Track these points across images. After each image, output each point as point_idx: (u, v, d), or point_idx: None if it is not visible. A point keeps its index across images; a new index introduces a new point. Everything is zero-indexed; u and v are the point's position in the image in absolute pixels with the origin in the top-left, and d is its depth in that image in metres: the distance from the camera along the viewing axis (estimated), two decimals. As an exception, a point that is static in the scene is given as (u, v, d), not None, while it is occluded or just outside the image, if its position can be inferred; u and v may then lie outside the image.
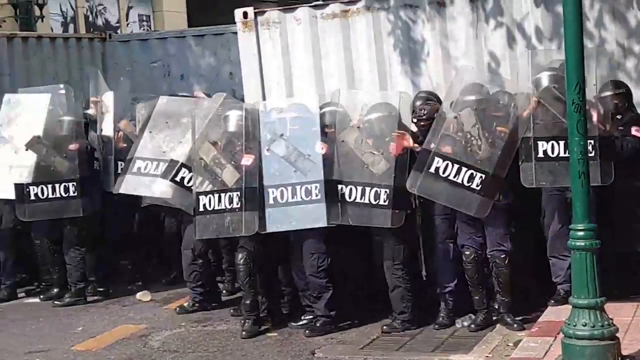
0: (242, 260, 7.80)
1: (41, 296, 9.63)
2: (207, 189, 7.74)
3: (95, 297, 9.50)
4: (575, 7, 5.66)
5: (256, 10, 9.21)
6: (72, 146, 9.00)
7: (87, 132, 9.41)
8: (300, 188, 7.55)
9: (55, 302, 9.24)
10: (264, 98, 9.04)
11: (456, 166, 7.16)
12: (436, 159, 7.17)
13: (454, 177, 7.15)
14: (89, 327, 8.32)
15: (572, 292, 5.71)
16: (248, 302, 7.80)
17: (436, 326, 7.54)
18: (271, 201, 7.58)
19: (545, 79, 7.26)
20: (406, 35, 8.80)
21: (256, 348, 7.32)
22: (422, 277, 7.67)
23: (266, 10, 9.29)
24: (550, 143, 7.09)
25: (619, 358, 5.57)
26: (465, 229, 7.46)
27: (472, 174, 7.13)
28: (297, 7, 9.30)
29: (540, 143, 7.10)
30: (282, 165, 7.66)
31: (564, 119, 6.65)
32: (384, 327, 7.59)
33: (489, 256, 7.40)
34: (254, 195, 7.60)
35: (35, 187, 8.87)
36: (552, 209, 7.52)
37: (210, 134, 7.92)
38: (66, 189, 8.87)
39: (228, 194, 7.65)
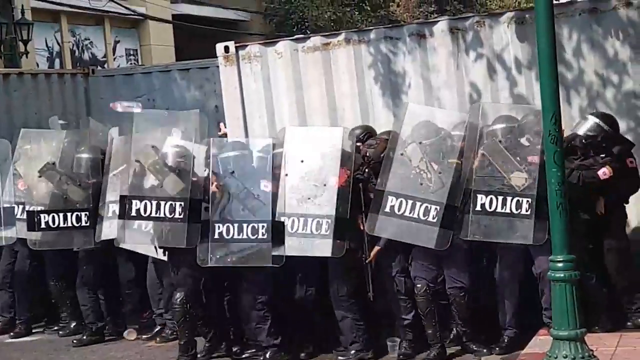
0: (178, 300, 7.78)
1: (60, 332, 9.46)
2: (143, 194, 7.68)
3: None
4: (549, 39, 5.68)
5: (237, 45, 9.25)
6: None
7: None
8: (248, 226, 7.59)
9: (74, 340, 9.02)
10: (245, 131, 9.07)
11: (410, 202, 7.24)
12: (389, 197, 7.27)
13: (410, 212, 7.23)
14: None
15: (553, 324, 5.69)
16: (182, 342, 7.83)
17: (401, 357, 7.60)
18: (216, 236, 7.59)
19: (496, 131, 7.35)
20: (387, 68, 8.84)
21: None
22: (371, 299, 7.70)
23: (247, 44, 9.33)
24: (489, 197, 7.17)
25: (601, 390, 5.54)
26: (419, 262, 7.52)
27: (427, 207, 7.21)
28: (278, 41, 9.34)
29: (479, 196, 7.18)
30: (231, 202, 7.70)
31: (505, 174, 7.05)
32: (340, 358, 7.65)
33: (448, 292, 7.45)
34: (198, 209, 7.63)
35: (46, 215, 8.63)
36: (504, 257, 7.53)
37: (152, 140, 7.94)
38: (78, 219, 8.63)
39: (169, 202, 7.58)
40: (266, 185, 7.66)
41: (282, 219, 7.56)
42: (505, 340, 7.56)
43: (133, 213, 7.63)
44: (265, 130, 8.95)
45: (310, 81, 9.08)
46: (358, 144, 7.94)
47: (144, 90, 12.82)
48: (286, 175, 7.67)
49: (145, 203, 7.60)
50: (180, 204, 7.56)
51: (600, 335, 7.00)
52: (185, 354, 7.82)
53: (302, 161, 7.70)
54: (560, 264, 5.62)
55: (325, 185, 7.59)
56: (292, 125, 8.77)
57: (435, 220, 7.19)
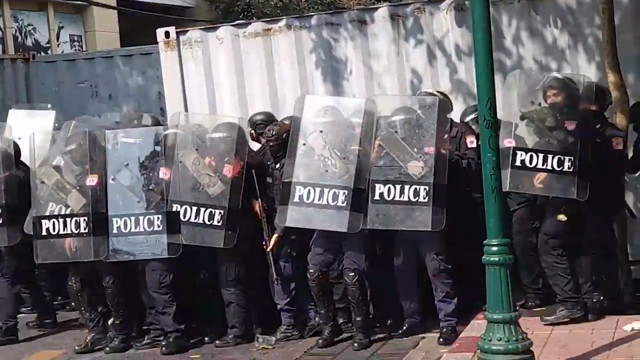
0: (110, 282, 7.89)
1: None
2: (50, 213, 7.77)
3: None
4: (485, 26, 5.71)
5: (178, 30, 9.20)
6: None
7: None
8: (144, 219, 7.64)
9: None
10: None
11: (318, 189, 7.32)
12: (297, 187, 7.34)
13: (319, 200, 7.31)
14: (6, 354, 8.13)
15: (488, 307, 5.72)
16: (118, 322, 7.95)
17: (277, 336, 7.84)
18: (115, 230, 7.67)
19: (392, 123, 7.41)
20: (328, 54, 8.86)
21: (177, 370, 7.24)
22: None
23: (188, 30, 9.27)
24: (387, 186, 7.28)
25: (534, 372, 5.60)
26: (316, 248, 7.62)
27: (335, 192, 7.29)
28: (219, 26, 9.29)
29: (377, 185, 7.29)
30: (126, 195, 7.76)
31: (402, 164, 7.18)
32: (217, 342, 7.83)
33: (343, 275, 7.59)
34: (101, 220, 7.69)
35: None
36: (400, 249, 7.65)
37: (52, 157, 7.96)
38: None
39: (74, 218, 7.70)
40: (165, 173, 7.69)
41: (175, 206, 7.61)
42: (404, 327, 7.70)
43: (44, 232, 7.79)
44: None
45: (251, 67, 9.07)
46: (259, 130, 8.08)
47: (87, 76, 12.72)
48: (180, 163, 7.72)
49: (53, 222, 7.76)
50: (84, 219, 7.69)
51: (536, 319, 7.10)
52: (122, 332, 7.97)
53: (196, 149, 7.77)
54: (494, 248, 5.64)
55: (218, 175, 7.66)
56: (234, 111, 8.75)
57: (345, 204, 7.28)
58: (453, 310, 7.56)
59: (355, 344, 7.50)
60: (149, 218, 7.64)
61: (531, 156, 6.98)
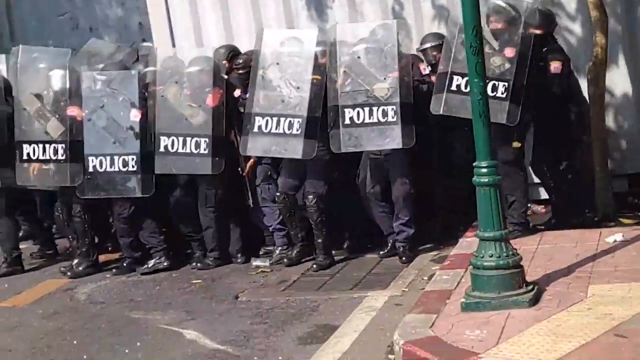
0: (77, 212, 8.36)
1: None
2: (32, 139, 8.23)
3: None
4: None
5: (161, -39, 9.24)
6: None
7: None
8: (118, 159, 8.06)
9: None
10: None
11: (275, 119, 7.70)
12: (257, 118, 7.75)
13: (276, 129, 7.70)
14: (14, 284, 8.40)
15: (479, 226, 6.02)
16: (85, 249, 8.43)
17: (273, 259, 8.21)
18: (91, 169, 8.13)
19: (357, 50, 7.68)
20: (311, -17, 8.97)
21: (181, 295, 7.53)
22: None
23: (172, -40, 9.33)
24: (356, 110, 7.58)
25: (524, 284, 5.93)
26: (283, 174, 8.05)
27: (290, 121, 7.69)
28: (203, -44, 9.35)
29: (347, 110, 7.59)
30: (101, 135, 8.15)
31: (368, 86, 7.51)
32: (195, 264, 8.29)
33: (304, 198, 7.98)
34: (79, 148, 8.15)
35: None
36: (368, 172, 7.98)
37: (32, 86, 8.32)
38: None
39: (53, 145, 8.17)
40: (136, 115, 8.07)
41: (162, 138, 7.98)
42: (389, 246, 8.03)
43: (24, 157, 8.25)
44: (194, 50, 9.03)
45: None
46: (224, 62, 8.34)
47: (67, 8, 12.70)
48: (162, 97, 8.06)
49: (34, 147, 8.24)
50: (62, 146, 8.17)
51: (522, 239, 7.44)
52: (87, 259, 8.46)
53: (176, 82, 8.08)
54: (484, 170, 5.90)
55: (200, 106, 8.00)
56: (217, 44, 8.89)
57: (299, 132, 7.67)
58: (413, 233, 7.94)
59: (315, 265, 7.90)
60: (124, 159, 8.08)
61: (467, 81, 7.18)
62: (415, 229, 7.94)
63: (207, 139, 7.93)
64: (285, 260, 8.11)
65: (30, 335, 6.77)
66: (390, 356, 5.55)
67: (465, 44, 5.91)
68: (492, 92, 7.23)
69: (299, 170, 7.95)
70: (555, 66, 7.61)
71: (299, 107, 7.70)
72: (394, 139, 7.57)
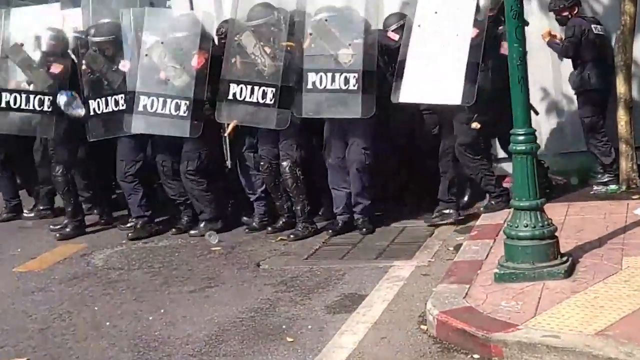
0: (59, 172, 8.44)
1: None
2: (15, 87, 8.33)
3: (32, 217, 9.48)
4: None
5: None
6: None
7: None
8: (111, 99, 8.21)
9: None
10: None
11: (249, 87, 7.62)
12: (231, 85, 7.66)
13: (250, 97, 7.63)
14: (27, 248, 8.27)
15: (514, 195, 5.89)
16: (70, 209, 8.53)
17: (247, 230, 8.20)
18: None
19: (325, 17, 7.58)
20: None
21: (201, 262, 7.40)
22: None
23: None
24: (319, 75, 7.50)
25: (559, 256, 5.81)
26: (263, 142, 7.96)
27: (264, 90, 7.62)
28: None
29: (310, 74, 7.52)
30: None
31: (333, 52, 7.46)
32: (191, 232, 8.21)
33: (280, 165, 7.90)
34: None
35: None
36: (331, 141, 7.87)
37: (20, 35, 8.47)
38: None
39: (38, 96, 8.27)
40: (124, 65, 8.05)
41: (142, 98, 7.93)
42: (339, 224, 7.95)
43: (3, 105, 8.34)
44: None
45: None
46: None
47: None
48: (146, 55, 7.96)
49: (15, 95, 8.31)
50: (49, 98, 8.23)
51: (547, 206, 7.29)
52: (74, 219, 8.53)
53: (162, 42, 7.97)
54: (521, 137, 5.77)
55: (184, 67, 7.90)
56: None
57: (272, 102, 7.60)
58: (369, 205, 7.84)
59: (292, 235, 7.82)
60: (115, 99, 8.14)
61: (424, 66, 7.25)
62: (372, 200, 7.85)
63: (187, 102, 7.86)
64: (269, 228, 8.06)
65: (50, 301, 6.64)
66: (423, 326, 5.43)
67: (506, 7, 5.74)
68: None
69: (275, 138, 7.89)
70: (506, 47, 7.49)
71: (273, 76, 7.61)
72: (353, 109, 7.46)
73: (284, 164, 7.80)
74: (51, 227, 8.74)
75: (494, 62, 7.36)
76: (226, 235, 8.09)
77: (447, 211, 7.76)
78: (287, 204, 8.04)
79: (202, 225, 8.20)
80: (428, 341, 5.22)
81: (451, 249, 7.05)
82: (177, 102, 7.85)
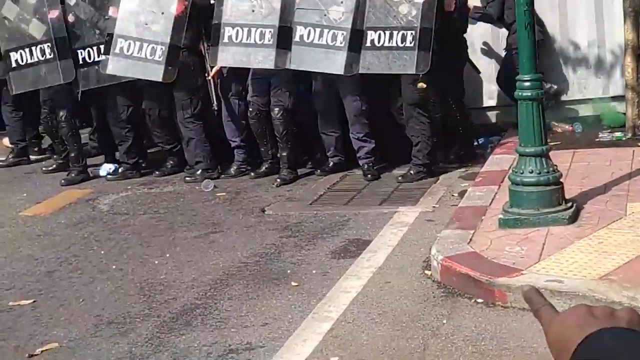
0: (63, 117, 8.47)
1: None
2: (16, 45, 8.33)
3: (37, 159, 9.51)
4: None
5: None
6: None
7: None
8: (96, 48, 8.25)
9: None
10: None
11: (245, 29, 7.71)
12: (227, 28, 7.76)
13: (247, 39, 7.69)
14: (33, 193, 8.29)
15: (519, 141, 5.88)
16: (73, 154, 8.60)
17: (223, 176, 8.26)
18: (80, 62, 8.25)
19: None
20: None
21: (206, 207, 7.42)
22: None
23: None
24: (307, 29, 7.55)
25: (563, 202, 5.82)
26: (254, 89, 7.97)
27: (261, 31, 7.65)
28: None
29: (299, 28, 7.58)
30: (84, 27, 8.34)
31: (324, 7, 7.47)
32: (186, 178, 8.25)
33: (271, 111, 7.94)
34: (65, 45, 8.24)
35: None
36: (320, 88, 7.92)
37: None
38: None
39: (39, 46, 8.25)
40: (114, 12, 8.09)
41: (119, 40, 7.96)
42: (330, 164, 8.05)
43: (14, 64, 8.40)
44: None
45: None
46: None
47: None
48: None
49: (20, 52, 8.35)
50: (48, 45, 8.26)
51: (553, 153, 7.29)
52: (78, 164, 8.57)
53: None
54: (527, 83, 5.74)
55: (163, 13, 7.90)
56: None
57: (271, 43, 7.59)
58: (373, 149, 7.86)
59: (279, 179, 7.88)
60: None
61: (379, 35, 7.31)
62: (376, 144, 7.86)
63: (163, 47, 7.91)
64: (252, 174, 8.12)
65: (56, 245, 6.68)
66: (427, 271, 5.46)
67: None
68: (402, 42, 7.28)
69: (266, 85, 7.92)
70: (448, 3, 7.55)
71: (271, 17, 7.59)
72: (337, 64, 7.49)
73: (276, 110, 7.83)
74: (43, 169, 8.86)
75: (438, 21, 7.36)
76: (231, 181, 8.09)
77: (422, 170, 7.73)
78: (271, 150, 8.10)
79: (198, 172, 8.25)
80: (432, 286, 5.25)
81: (455, 195, 7.07)
82: (153, 47, 7.94)
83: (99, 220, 7.26)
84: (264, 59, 7.67)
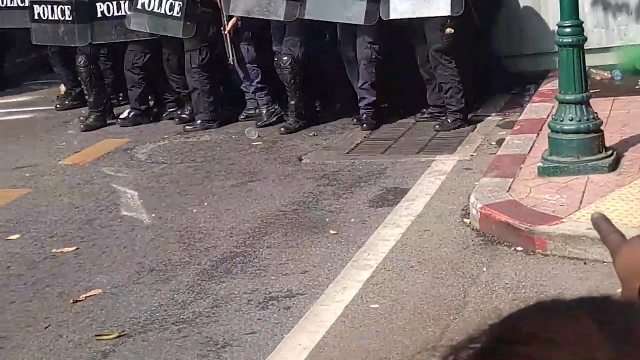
0: (82, 63, 8.57)
1: None
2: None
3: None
4: None
5: None
6: None
7: None
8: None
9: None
10: None
11: None
12: None
13: None
14: (72, 142, 8.34)
15: (560, 89, 5.82)
16: (92, 99, 8.64)
17: (258, 125, 8.15)
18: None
19: None
20: None
21: (243, 156, 7.43)
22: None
23: None
24: None
25: (604, 150, 5.77)
26: (276, 36, 8.01)
27: None
28: None
29: None
30: None
31: None
32: (186, 127, 8.28)
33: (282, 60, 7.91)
34: (85, 9, 8.41)
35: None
36: (346, 38, 7.82)
37: None
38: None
39: (60, 6, 8.50)
40: None
41: None
42: (364, 117, 7.87)
43: (36, 17, 8.67)
44: None
45: None
46: None
47: None
48: None
49: (43, 7, 8.62)
50: (68, 7, 8.48)
51: (593, 100, 7.22)
52: (96, 110, 8.64)
53: None
54: (568, 29, 5.66)
55: None
56: None
57: None
58: (374, 102, 7.80)
59: (282, 129, 7.89)
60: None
61: None
62: (378, 97, 7.80)
63: (181, 3, 8.05)
64: (282, 129, 7.96)
65: (96, 193, 6.74)
66: (466, 220, 5.46)
67: None
68: None
69: (284, 35, 7.92)
70: None
71: None
72: (357, 14, 7.44)
73: (285, 59, 7.84)
74: (81, 118, 8.87)
75: None
76: (267, 131, 8.10)
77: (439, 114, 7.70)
78: (301, 103, 8.03)
79: (198, 122, 8.31)
80: (471, 234, 5.25)
81: (494, 143, 7.03)
82: (171, 3, 8.07)
83: (138, 169, 7.31)
84: (274, 10, 7.69)
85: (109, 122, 8.73)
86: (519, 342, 0.63)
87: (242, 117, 8.44)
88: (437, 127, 7.58)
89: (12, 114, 9.66)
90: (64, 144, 8.30)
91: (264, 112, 8.26)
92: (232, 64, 8.28)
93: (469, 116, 7.73)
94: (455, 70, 7.51)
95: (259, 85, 8.27)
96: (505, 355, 0.62)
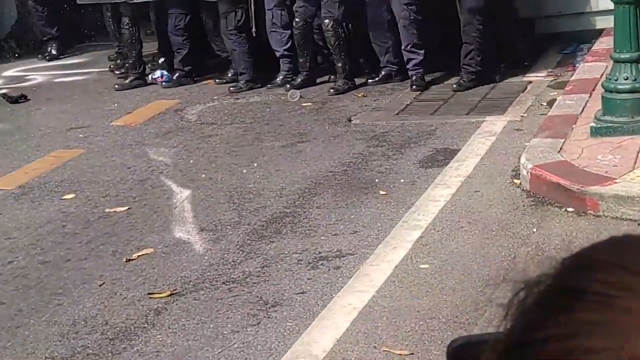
0: (125, 24, 8.68)
1: None
2: None
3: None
4: None
5: None
6: None
7: None
8: None
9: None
10: None
11: None
12: None
13: None
14: (123, 103, 8.40)
15: (614, 47, 5.72)
16: (132, 61, 8.83)
17: (268, 85, 8.30)
18: None
19: None
20: None
21: (292, 117, 7.44)
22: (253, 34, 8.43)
23: None
24: None
25: (658, 106, 5.67)
26: (299, 1, 7.93)
27: None
28: None
29: None
30: None
31: None
32: (231, 88, 8.29)
33: (321, 23, 7.88)
34: None
35: None
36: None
37: None
38: None
39: None
40: None
41: None
42: (381, 75, 7.98)
43: None
44: None
45: None
46: None
47: None
48: None
49: None
50: None
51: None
52: (135, 71, 8.82)
53: None
54: (623, -14, 5.57)
55: None
56: None
57: None
58: (421, 61, 7.72)
59: (332, 90, 7.87)
60: None
61: None
62: (425, 55, 7.70)
63: None
64: (287, 85, 8.06)
65: (147, 154, 6.80)
66: (516, 180, 5.42)
67: None
68: None
69: None
70: None
71: None
72: None
73: (326, 21, 7.79)
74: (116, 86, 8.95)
75: None
76: (316, 91, 8.09)
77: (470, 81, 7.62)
78: (310, 62, 8.12)
79: (242, 83, 8.35)
80: (521, 195, 5.22)
81: (544, 104, 6.95)
82: None
83: (187, 130, 7.35)
84: None
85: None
86: (592, 268, 0.64)
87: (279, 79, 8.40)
88: (455, 86, 7.57)
89: (67, 75, 9.76)
90: (115, 105, 8.37)
91: (280, 77, 8.29)
92: (254, 34, 8.35)
93: (497, 78, 7.71)
94: (483, 33, 7.43)
95: (285, 53, 8.28)
96: (582, 283, 0.63)
